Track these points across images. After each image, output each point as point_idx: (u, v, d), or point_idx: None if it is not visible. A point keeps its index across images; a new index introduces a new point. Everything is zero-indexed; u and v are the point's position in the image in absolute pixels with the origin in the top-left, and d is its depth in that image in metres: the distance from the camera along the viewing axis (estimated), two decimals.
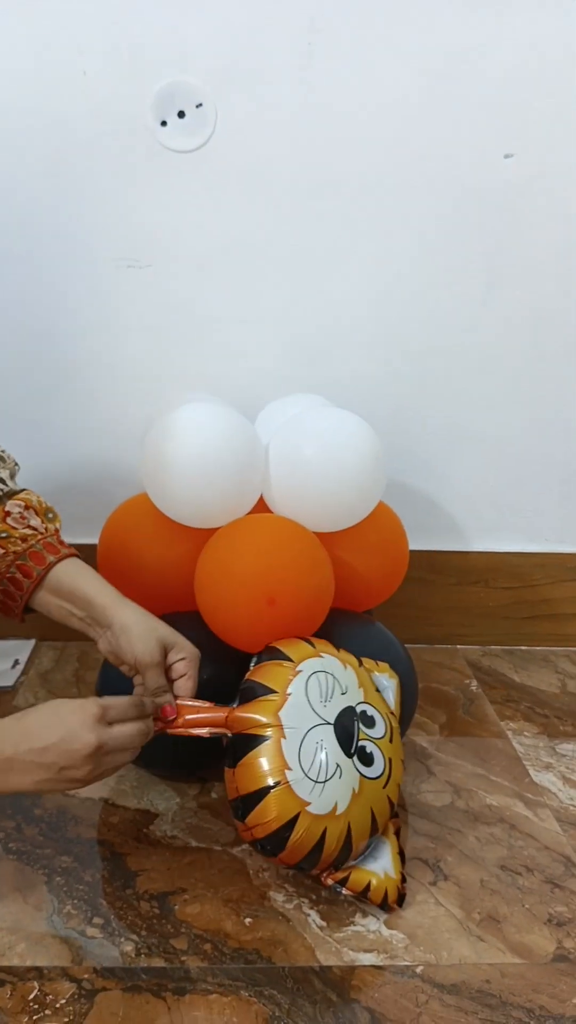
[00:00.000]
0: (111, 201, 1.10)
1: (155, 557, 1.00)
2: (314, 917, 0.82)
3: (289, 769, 0.76)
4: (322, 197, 1.12)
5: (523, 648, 1.37)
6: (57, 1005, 0.71)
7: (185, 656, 0.83)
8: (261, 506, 1.02)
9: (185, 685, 0.83)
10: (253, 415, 1.11)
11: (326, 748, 0.79)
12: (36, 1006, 0.71)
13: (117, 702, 0.74)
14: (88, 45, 1.03)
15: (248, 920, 0.81)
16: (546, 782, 1.04)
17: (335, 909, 0.83)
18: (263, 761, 0.77)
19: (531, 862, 0.91)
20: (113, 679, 0.91)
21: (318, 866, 0.79)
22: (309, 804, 0.76)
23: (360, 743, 0.83)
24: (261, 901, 0.83)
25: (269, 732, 0.78)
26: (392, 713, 0.91)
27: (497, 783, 1.04)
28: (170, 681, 0.83)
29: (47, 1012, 0.70)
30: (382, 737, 0.86)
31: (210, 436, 0.95)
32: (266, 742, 0.77)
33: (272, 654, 0.86)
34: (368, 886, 0.81)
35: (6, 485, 0.90)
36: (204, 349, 1.19)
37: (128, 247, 1.13)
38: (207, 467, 0.94)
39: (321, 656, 0.87)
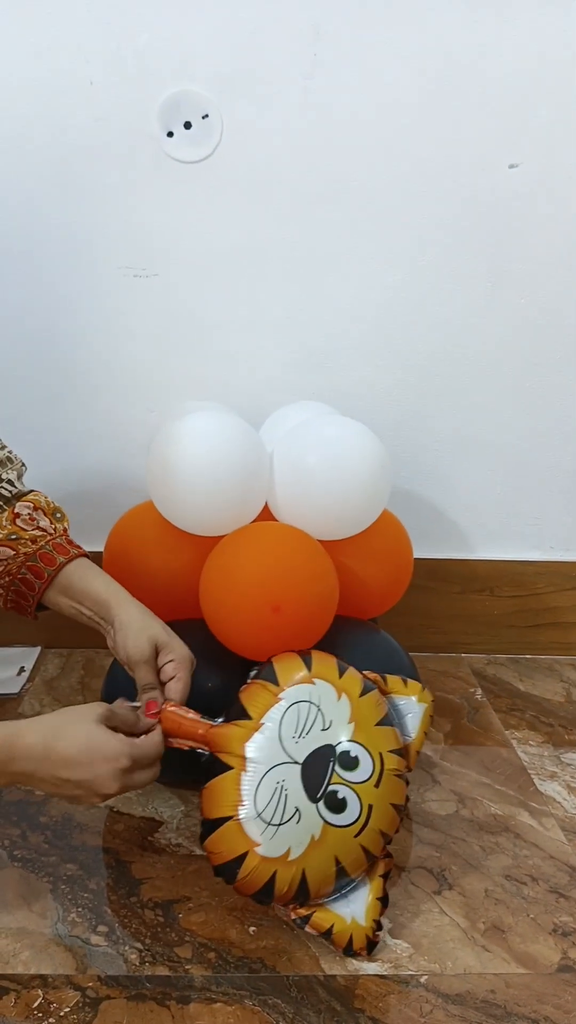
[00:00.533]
0: (117, 211, 1.11)
1: (160, 565, 1.00)
2: None
3: (242, 805, 0.75)
4: (326, 205, 1.12)
5: (528, 657, 1.37)
6: (61, 1013, 0.71)
7: (174, 658, 0.83)
8: (266, 514, 1.02)
9: (174, 687, 0.82)
10: (258, 423, 1.12)
11: (287, 790, 0.76)
12: (40, 1014, 0.71)
13: (146, 751, 0.75)
14: (94, 55, 1.04)
15: (252, 929, 0.81)
16: (551, 791, 1.04)
17: None
18: (222, 791, 0.76)
19: (536, 872, 0.91)
20: (118, 686, 0.91)
21: (275, 902, 0.76)
22: (258, 845, 0.74)
23: (331, 787, 0.77)
24: (265, 910, 0.83)
25: (233, 762, 0.77)
26: (400, 751, 0.83)
27: (502, 792, 1.03)
28: (163, 683, 0.83)
29: (51, 1020, 0.70)
30: (364, 781, 0.78)
31: (215, 444, 0.96)
32: (228, 772, 0.77)
33: (265, 673, 0.84)
34: (331, 929, 0.77)
35: (14, 487, 0.91)
36: (209, 357, 1.19)
37: (134, 257, 1.13)
38: (212, 475, 0.94)
39: (313, 683, 0.82)
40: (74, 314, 1.16)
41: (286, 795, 0.75)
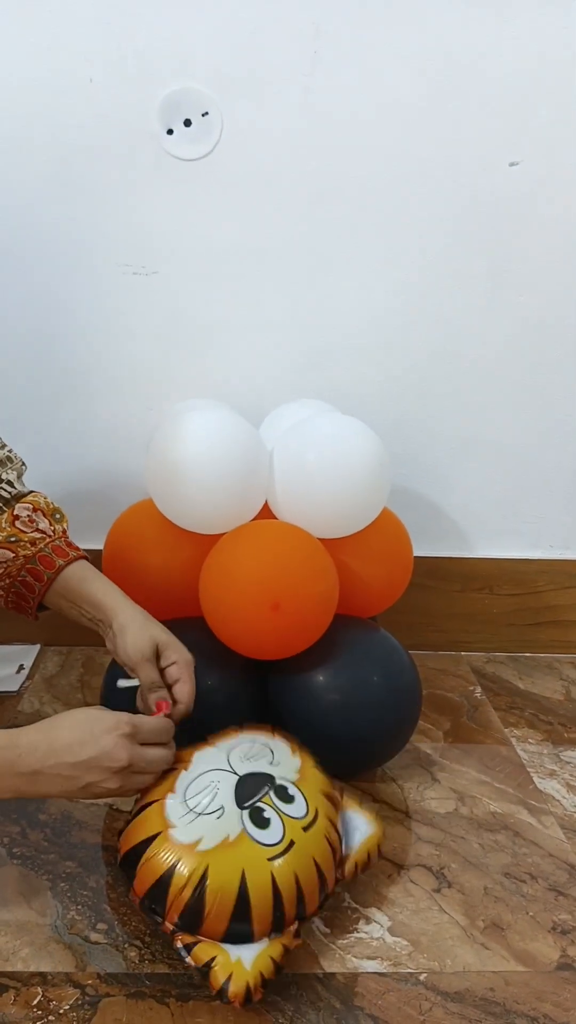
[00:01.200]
0: (117, 208, 1.11)
1: (160, 563, 1.00)
2: (318, 924, 0.82)
3: (172, 793, 0.77)
4: (327, 204, 1.12)
5: (527, 655, 1.37)
6: (61, 1011, 0.71)
7: (177, 660, 0.84)
8: (266, 512, 1.02)
9: (182, 690, 0.83)
10: (258, 421, 1.12)
11: (219, 789, 0.77)
12: (40, 1012, 0.71)
13: (148, 723, 0.77)
14: (94, 53, 1.04)
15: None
16: (550, 789, 1.04)
17: (339, 916, 0.83)
18: (159, 785, 0.78)
19: (535, 870, 0.91)
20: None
21: (166, 910, 0.72)
22: (173, 827, 0.74)
23: (260, 805, 0.76)
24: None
25: (179, 765, 0.80)
26: (336, 825, 0.81)
27: (501, 790, 1.03)
28: (169, 687, 0.84)
29: (51, 1018, 0.70)
30: (294, 817, 0.77)
31: (214, 442, 0.96)
32: (172, 771, 0.79)
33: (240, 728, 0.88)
34: (212, 961, 0.71)
35: (13, 487, 0.91)
36: (209, 355, 1.19)
37: (133, 254, 1.13)
38: (212, 473, 0.94)
39: (273, 734, 0.88)
40: (73, 312, 1.16)
41: (216, 792, 0.77)
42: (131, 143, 1.08)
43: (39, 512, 0.91)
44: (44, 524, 0.91)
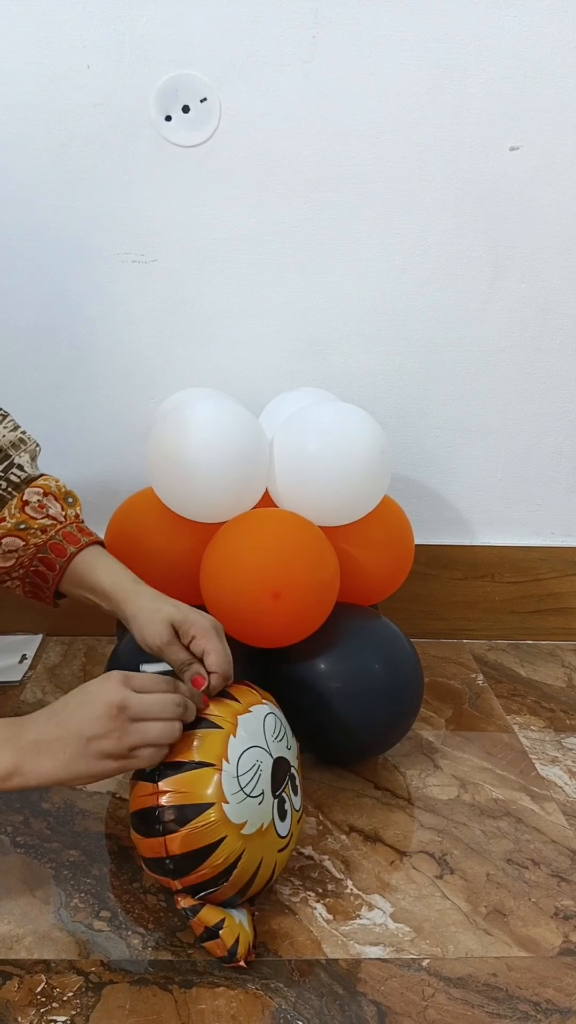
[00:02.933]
0: (115, 196, 1.10)
1: (161, 551, 1.00)
2: (320, 910, 0.82)
3: (227, 761, 0.74)
4: (327, 190, 1.11)
5: (529, 642, 1.37)
6: (64, 998, 0.71)
7: (196, 633, 0.79)
8: (267, 500, 1.02)
9: (212, 660, 0.78)
10: (258, 409, 1.11)
11: (261, 771, 0.76)
12: (44, 999, 0.71)
13: (142, 675, 0.73)
14: (91, 39, 1.03)
15: (255, 913, 0.81)
16: (552, 776, 1.04)
17: (341, 903, 0.83)
18: (210, 743, 0.75)
19: (537, 856, 0.91)
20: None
21: (186, 875, 0.72)
22: (227, 803, 0.73)
23: (283, 795, 0.79)
24: (267, 894, 0.83)
25: (223, 724, 0.76)
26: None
27: (503, 777, 1.04)
28: (201, 660, 0.80)
29: (54, 1005, 0.71)
30: (297, 811, 0.82)
31: (215, 430, 0.95)
32: (217, 730, 0.75)
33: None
34: (221, 923, 0.73)
35: (24, 471, 0.89)
36: (209, 343, 1.19)
37: (133, 242, 1.13)
38: (212, 461, 0.94)
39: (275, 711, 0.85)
40: (73, 300, 1.15)
41: (260, 775, 0.76)
42: (129, 130, 1.07)
43: (50, 496, 0.89)
44: (55, 509, 0.89)
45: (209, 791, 0.73)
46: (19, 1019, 0.69)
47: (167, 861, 0.72)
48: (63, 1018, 0.70)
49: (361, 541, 1.01)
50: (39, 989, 0.72)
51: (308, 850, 0.90)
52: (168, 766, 0.73)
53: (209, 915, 0.73)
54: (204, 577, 0.96)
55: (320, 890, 0.85)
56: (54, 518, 0.88)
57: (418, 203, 1.13)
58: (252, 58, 1.05)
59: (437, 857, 0.90)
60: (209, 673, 0.78)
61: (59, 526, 0.88)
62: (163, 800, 0.72)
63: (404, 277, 1.17)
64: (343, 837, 0.92)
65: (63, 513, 0.89)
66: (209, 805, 0.72)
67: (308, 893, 0.84)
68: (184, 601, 0.95)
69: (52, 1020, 0.69)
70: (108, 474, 1.23)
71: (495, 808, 0.98)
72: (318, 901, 0.83)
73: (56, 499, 0.90)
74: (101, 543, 0.91)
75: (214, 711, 0.77)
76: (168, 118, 1.07)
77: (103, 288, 1.15)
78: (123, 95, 1.06)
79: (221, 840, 0.72)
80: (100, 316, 1.16)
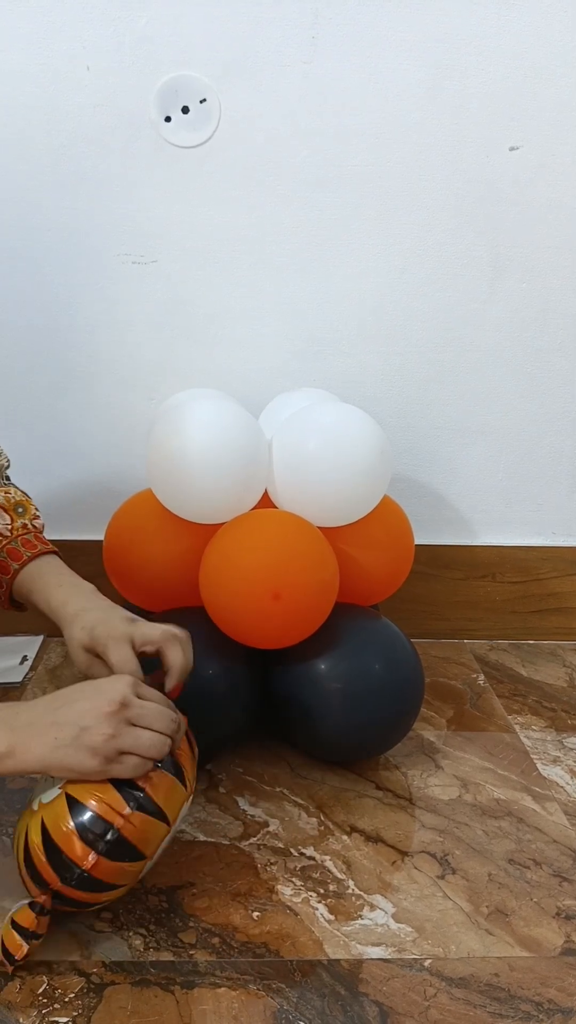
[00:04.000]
0: (115, 197, 1.10)
1: (160, 553, 1.00)
2: (322, 911, 0.82)
3: (174, 825, 0.75)
4: (325, 190, 1.11)
5: (530, 642, 1.37)
6: (66, 999, 0.71)
7: (102, 649, 0.77)
8: (266, 501, 1.02)
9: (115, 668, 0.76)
10: (258, 410, 1.11)
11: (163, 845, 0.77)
12: (45, 1000, 0.71)
13: (146, 696, 0.73)
14: (91, 40, 1.03)
15: (256, 914, 0.81)
16: (554, 776, 1.04)
17: (343, 903, 0.83)
18: (175, 798, 0.75)
19: (539, 856, 0.91)
20: None
21: (80, 892, 0.72)
22: (150, 862, 0.75)
23: None
24: (269, 895, 0.83)
25: (188, 785, 0.77)
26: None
27: (505, 777, 1.04)
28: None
29: (56, 1006, 0.71)
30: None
31: (214, 431, 0.95)
32: (183, 790, 0.76)
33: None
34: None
35: None
36: (209, 344, 1.19)
37: (132, 243, 1.13)
38: (212, 462, 0.94)
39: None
40: (72, 301, 1.15)
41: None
42: (129, 131, 1.07)
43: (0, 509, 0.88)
44: (2, 523, 0.87)
45: (153, 847, 0.73)
46: (21, 1020, 0.69)
47: (79, 872, 0.71)
48: (65, 1019, 0.69)
49: (362, 541, 1.01)
50: (40, 990, 0.72)
51: (309, 850, 0.90)
52: (146, 800, 0.72)
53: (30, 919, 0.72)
54: (204, 578, 0.96)
55: (321, 890, 0.84)
56: (0, 534, 0.87)
57: (418, 203, 1.13)
58: (252, 59, 1.05)
59: (439, 857, 0.90)
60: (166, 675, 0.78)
61: (4, 541, 0.87)
62: (123, 828, 0.71)
63: (404, 277, 1.17)
64: (344, 837, 0.92)
65: (10, 527, 0.88)
66: (143, 857, 0.73)
67: (310, 894, 0.84)
68: (183, 602, 0.95)
69: (54, 1021, 0.69)
70: (108, 475, 1.23)
71: (497, 808, 0.98)
72: (320, 901, 0.83)
73: (5, 511, 0.89)
74: (49, 552, 0.88)
75: (185, 766, 0.77)
76: (168, 119, 1.07)
77: (103, 289, 1.15)
78: (123, 96, 1.06)
79: (121, 887, 0.74)
80: (100, 317, 1.16)
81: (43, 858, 0.71)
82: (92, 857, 0.70)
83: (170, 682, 0.78)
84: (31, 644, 1.26)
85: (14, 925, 0.72)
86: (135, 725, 0.70)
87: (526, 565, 1.33)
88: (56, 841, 0.71)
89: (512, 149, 1.11)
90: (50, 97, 1.06)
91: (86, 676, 0.79)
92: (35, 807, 0.74)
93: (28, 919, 0.72)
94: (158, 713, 0.72)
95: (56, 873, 0.71)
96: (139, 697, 0.72)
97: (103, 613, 0.80)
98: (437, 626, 1.35)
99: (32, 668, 1.21)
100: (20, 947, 0.71)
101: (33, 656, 1.23)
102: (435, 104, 1.08)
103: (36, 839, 0.72)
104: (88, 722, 0.69)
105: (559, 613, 1.36)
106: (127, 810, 0.71)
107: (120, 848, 0.71)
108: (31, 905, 0.72)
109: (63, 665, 1.22)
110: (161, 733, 0.71)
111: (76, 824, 0.70)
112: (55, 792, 0.73)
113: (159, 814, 0.72)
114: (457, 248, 1.16)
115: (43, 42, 1.03)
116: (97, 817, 0.70)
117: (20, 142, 1.07)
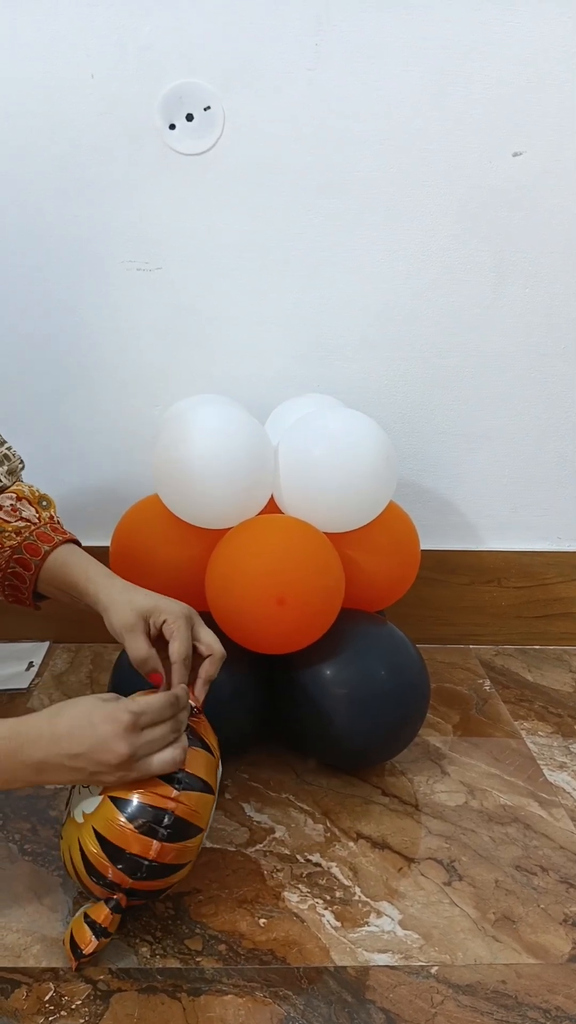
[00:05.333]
0: (120, 204, 1.11)
1: (166, 558, 1.00)
2: (328, 918, 0.82)
3: (215, 793, 0.79)
4: (330, 196, 1.12)
5: (536, 647, 1.37)
6: (73, 1006, 0.71)
7: (167, 618, 0.80)
8: (272, 507, 1.02)
9: (172, 648, 0.79)
10: (264, 415, 1.11)
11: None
12: (52, 1007, 0.71)
13: (150, 707, 0.73)
14: (95, 48, 1.04)
15: (263, 921, 0.81)
16: (561, 781, 1.04)
17: (349, 910, 0.83)
18: (210, 768, 0.78)
19: (546, 862, 0.91)
20: (125, 680, 0.92)
21: (150, 882, 0.74)
22: (205, 832, 0.77)
23: None
24: (275, 902, 0.83)
25: (215, 753, 0.81)
26: None
27: (511, 783, 1.03)
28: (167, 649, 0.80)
29: (63, 1013, 0.71)
30: None
31: (220, 437, 0.96)
32: (212, 757, 0.80)
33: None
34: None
35: (0, 482, 0.90)
36: (213, 351, 1.19)
37: (137, 250, 1.13)
38: (217, 468, 0.94)
39: None
40: (78, 309, 1.16)
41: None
42: (133, 139, 1.08)
43: (24, 500, 0.89)
44: (29, 511, 0.89)
45: (206, 819, 0.76)
46: None
47: (147, 863, 0.73)
48: None
49: (367, 547, 1.01)
50: (47, 997, 0.72)
51: (316, 857, 0.89)
52: (188, 778, 0.75)
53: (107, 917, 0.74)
54: (209, 583, 0.96)
55: (328, 897, 0.84)
56: (28, 520, 0.89)
57: (422, 209, 1.13)
58: (255, 66, 1.06)
59: (445, 864, 0.90)
60: (172, 663, 0.79)
61: (33, 527, 0.88)
62: (176, 810, 0.73)
63: (408, 283, 1.17)
64: (351, 844, 0.92)
65: (37, 516, 0.90)
66: (201, 830, 0.75)
67: (316, 900, 0.84)
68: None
69: None
70: (114, 481, 1.23)
71: (503, 814, 0.98)
72: (326, 908, 0.83)
73: (30, 503, 0.90)
74: (76, 541, 0.91)
75: (207, 737, 0.80)
76: (172, 126, 1.07)
77: (108, 296, 1.15)
78: (127, 104, 1.06)
79: (186, 864, 0.76)
80: (105, 324, 1.17)
81: (107, 863, 0.73)
82: (156, 846, 0.72)
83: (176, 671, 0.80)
84: (37, 650, 1.26)
85: (87, 919, 0.74)
86: (144, 756, 0.72)
87: (532, 570, 1.33)
88: (115, 842, 0.73)
89: (515, 155, 1.11)
90: (55, 105, 1.06)
91: (119, 639, 0.81)
92: (79, 819, 0.76)
93: (103, 915, 0.74)
94: (159, 739, 0.73)
95: (125, 873, 0.73)
96: (142, 723, 0.71)
97: (157, 594, 0.83)
98: (443, 631, 1.35)
99: (38, 674, 1.21)
100: (90, 942, 0.73)
101: (39, 662, 1.23)
102: (439, 110, 1.09)
103: (94, 848, 0.73)
104: (97, 768, 0.71)
105: (565, 618, 1.36)
106: (174, 793, 0.73)
107: (179, 829, 0.73)
108: (107, 901, 0.74)
109: (69, 671, 1.23)
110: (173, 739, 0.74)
111: (131, 820, 0.73)
112: (96, 799, 0.75)
113: (204, 786, 0.76)
114: (461, 253, 1.16)
115: (47, 50, 1.04)
116: (149, 808, 0.73)
117: (24, 150, 1.08)
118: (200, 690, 0.81)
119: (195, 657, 0.81)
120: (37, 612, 0.93)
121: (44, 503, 0.92)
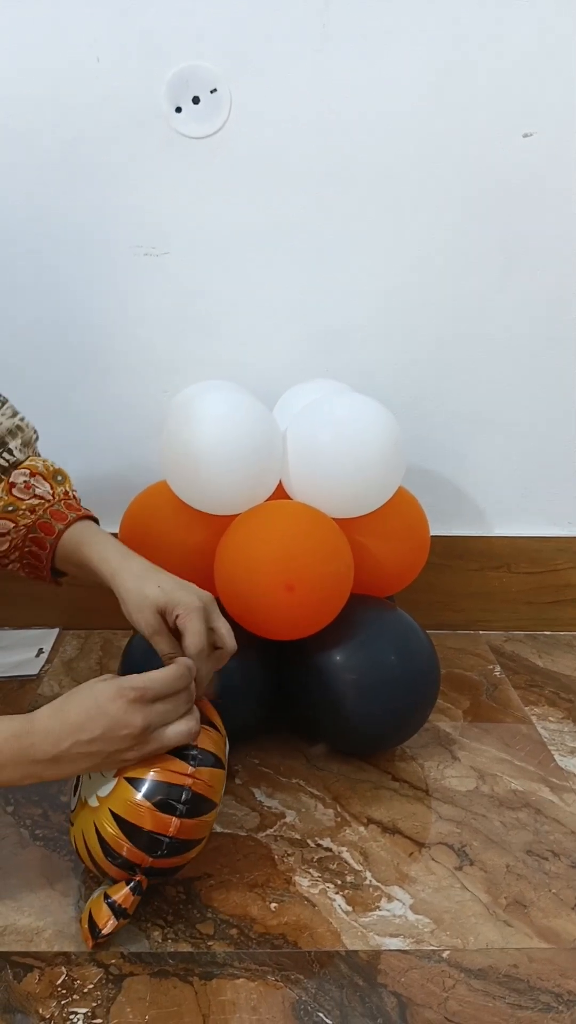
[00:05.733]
0: (126, 189, 1.10)
1: (175, 544, 1.00)
2: (339, 902, 0.82)
3: (226, 767, 0.80)
4: (338, 180, 1.11)
5: (546, 633, 1.36)
6: (85, 990, 0.71)
7: (180, 612, 0.78)
8: (280, 492, 1.02)
9: (187, 642, 0.78)
10: (272, 401, 1.11)
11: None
12: (64, 991, 0.71)
13: (155, 680, 0.72)
14: (101, 32, 1.03)
15: (274, 905, 0.81)
16: (572, 767, 1.04)
17: (360, 894, 0.83)
18: (219, 744, 0.80)
19: (557, 847, 0.91)
20: (135, 666, 0.91)
21: (170, 858, 0.75)
22: (219, 806, 0.78)
23: None
24: (287, 886, 0.83)
25: (221, 731, 0.81)
26: None
27: (522, 768, 1.03)
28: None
29: (75, 997, 0.71)
30: None
31: (228, 423, 0.95)
32: (221, 735, 0.81)
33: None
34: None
35: (12, 456, 0.89)
36: (221, 336, 1.18)
37: (143, 235, 1.12)
38: (226, 454, 0.94)
39: None
40: (85, 295, 1.15)
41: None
42: (139, 122, 1.07)
43: (38, 476, 0.89)
44: (43, 488, 0.88)
45: (220, 793, 0.77)
46: (40, 1011, 0.69)
47: (167, 840, 0.73)
48: (84, 1010, 0.70)
49: (377, 532, 1.01)
50: (60, 981, 0.72)
51: (326, 842, 0.90)
52: (201, 754, 0.75)
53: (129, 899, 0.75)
54: (218, 569, 0.95)
55: (339, 882, 0.84)
56: (42, 497, 0.88)
57: (431, 193, 1.12)
58: (262, 48, 1.05)
59: (456, 848, 0.90)
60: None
61: (47, 505, 0.88)
62: (193, 785, 0.74)
63: (417, 267, 1.16)
64: (361, 829, 0.92)
65: (51, 492, 0.89)
66: (215, 805, 0.76)
67: (327, 885, 0.84)
68: None
69: (73, 1012, 0.69)
70: (121, 468, 1.23)
71: (514, 799, 0.98)
72: (337, 893, 0.83)
73: (44, 478, 0.89)
74: (92, 518, 0.90)
75: (212, 717, 0.81)
76: (178, 110, 1.06)
77: (115, 282, 1.15)
78: (133, 87, 1.06)
79: (202, 839, 0.76)
80: (112, 310, 1.16)
81: (127, 843, 0.73)
82: (175, 822, 0.73)
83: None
84: (47, 637, 1.27)
85: (107, 899, 0.75)
86: (156, 727, 0.72)
87: (541, 556, 1.32)
88: (135, 822, 0.73)
89: (526, 136, 1.10)
90: (60, 90, 1.05)
91: (146, 638, 0.80)
92: (94, 803, 0.76)
93: (123, 894, 0.74)
94: (172, 710, 0.72)
95: (145, 852, 0.73)
96: (150, 695, 0.71)
97: (175, 583, 0.81)
98: (452, 617, 1.34)
99: (48, 661, 1.21)
100: (108, 920, 0.74)
101: (49, 649, 1.24)
102: (447, 93, 1.08)
103: (112, 830, 0.73)
104: (115, 747, 0.71)
105: (575, 604, 1.35)
106: (190, 769, 0.74)
107: (196, 805, 0.74)
108: (127, 882, 0.75)
109: (79, 657, 1.23)
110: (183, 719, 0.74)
111: (149, 798, 0.73)
112: (111, 782, 0.75)
113: (216, 761, 0.77)
114: (469, 238, 1.15)
115: (53, 34, 1.03)
116: (167, 785, 0.73)
117: (31, 136, 1.07)
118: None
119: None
120: (58, 588, 0.93)
121: (59, 477, 0.91)
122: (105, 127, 1.07)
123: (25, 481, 0.88)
